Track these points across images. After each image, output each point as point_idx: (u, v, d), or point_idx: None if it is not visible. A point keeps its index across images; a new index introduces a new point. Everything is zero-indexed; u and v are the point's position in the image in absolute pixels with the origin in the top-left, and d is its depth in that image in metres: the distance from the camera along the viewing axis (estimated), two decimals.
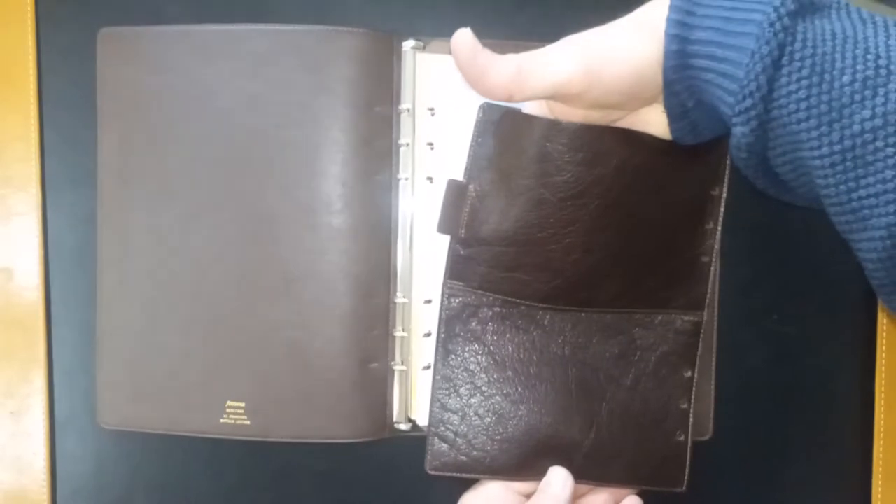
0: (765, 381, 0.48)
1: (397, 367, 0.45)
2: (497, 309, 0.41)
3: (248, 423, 0.44)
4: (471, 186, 0.40)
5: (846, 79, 0.29)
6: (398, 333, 0.45)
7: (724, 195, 0.42)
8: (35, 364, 0.47)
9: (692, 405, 0.43)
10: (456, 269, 0.41)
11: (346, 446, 0.45)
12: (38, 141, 0.47)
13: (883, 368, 0.48)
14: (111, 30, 0.45)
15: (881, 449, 0.48)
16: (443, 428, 0.42)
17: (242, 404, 0.44)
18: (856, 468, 0.49)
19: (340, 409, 0.44)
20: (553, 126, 0.38)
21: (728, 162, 0.41)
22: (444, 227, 0.41)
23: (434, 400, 0.42)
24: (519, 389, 0.42)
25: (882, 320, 0.48)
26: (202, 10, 0.47)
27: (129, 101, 0.45)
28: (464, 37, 0.37)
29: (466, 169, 0.40)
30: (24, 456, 0.47)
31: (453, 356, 0.42)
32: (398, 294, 0.45)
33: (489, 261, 0.40)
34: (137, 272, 0.45)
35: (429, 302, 0.45)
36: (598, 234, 0.39)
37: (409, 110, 0.45)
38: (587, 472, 0.42)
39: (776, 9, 0.30)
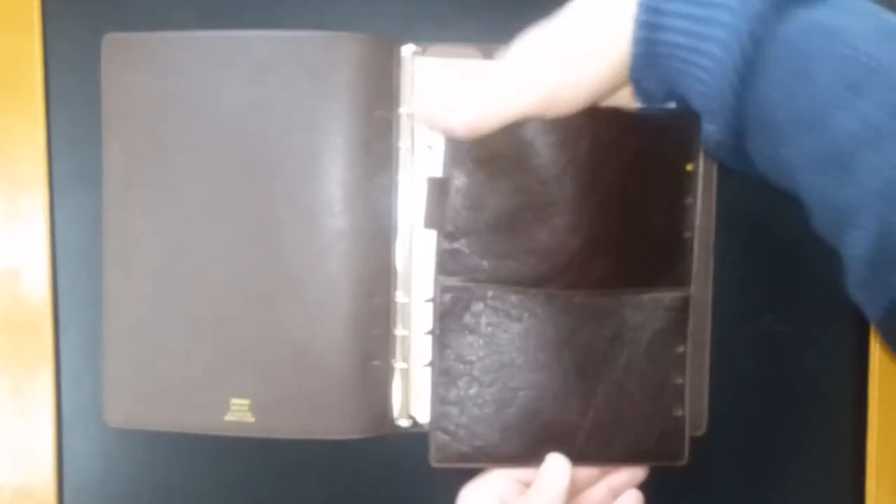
0: (758, 380, 0.49)
1: (398, 365, 0.46)
2: (489, 300, 0.42)
3: (252, 420, 0.45)
4: (451, 180, 0.41)
5: (827, 80, 0.27)
6: (399, 332, 0.46)
7: (701, 170, 0.43)
8: (42, 363, 0.48)
9: (687, 380, 0.43)
10: (444, 264, 0.42)
11: (349, 443, 0.46)
12: (46, 143, 0.48)
13: (876, 367, 0.49)
14: (116, 35, 0.46)
15: (874, 447, 0.49)
16: (444, 421, 0.42)
17: (247, 402, 0.45)
18: (849, 466, 0.49)
19: (343, 407, 0.45)
20: None
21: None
22: (429, 223, 0.42)
23: (434, 394, 0.43)
24: (516, 377, 0.42)
25: None
26: (207, 16, 0.47)
27: (134, 106, 0.46)
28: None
29: (444, 164, 0.41)
30: (32, 453, 0.47)
31: (450, 350, 0.42)
32: (399, 293, 0.46)
33: (476, 251, 0.41)
34: (143, 273, 0.46)
35: (429, 301, 0.46)
36: (579, 214, 0.40)
37: (408, 114, 0.46)
38: (589, 453, 0.42)
39: (748, 16, 0.29)
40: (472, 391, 0.42)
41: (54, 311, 0.48)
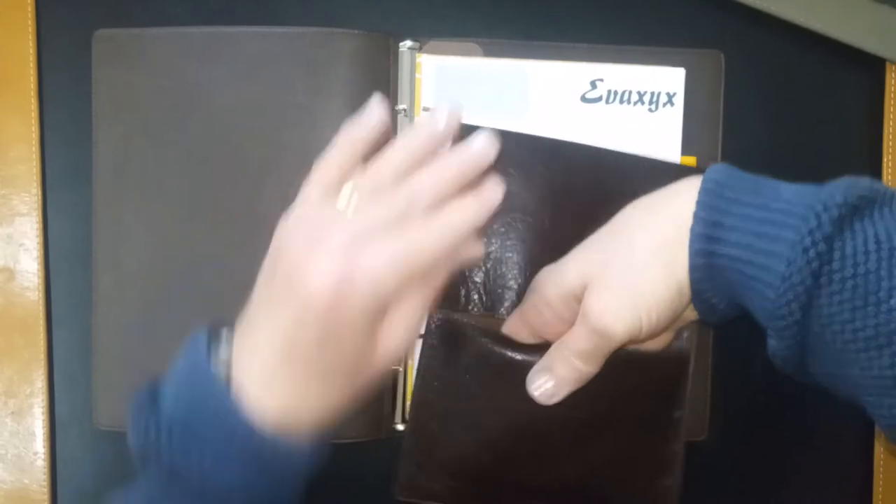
0: (762, 382, 0.48)
1: (393, 368, 0.45)
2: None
3: None
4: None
5: (894, 301, 0.26)
6: None
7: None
8: (35, 364, 0.47)
9: (682, 446, 0.42)
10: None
11: (344, 446, 0.45)
12: (39, 141, 0.47)
13: None
14: (107, 31, 0.46)
15: (882, 450, 0.48)
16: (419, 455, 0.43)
17: None
18: (857, 469, 0.49)
19: None
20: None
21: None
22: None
23: (413, 427, 0.43)
24: (493, 436, 0.42)
25: None
26: (200, 12, 0.47)
27: (126, 103, 0.45)
28: None
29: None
30: (25, 456, 0.47)
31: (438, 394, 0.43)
32: None
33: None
34: (134, 273, 0.45)
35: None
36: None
37: (405, 111, 0.45)
38: None
39: (811, 231, 0.28)
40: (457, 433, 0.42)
41: (47, 311, 0.47)
